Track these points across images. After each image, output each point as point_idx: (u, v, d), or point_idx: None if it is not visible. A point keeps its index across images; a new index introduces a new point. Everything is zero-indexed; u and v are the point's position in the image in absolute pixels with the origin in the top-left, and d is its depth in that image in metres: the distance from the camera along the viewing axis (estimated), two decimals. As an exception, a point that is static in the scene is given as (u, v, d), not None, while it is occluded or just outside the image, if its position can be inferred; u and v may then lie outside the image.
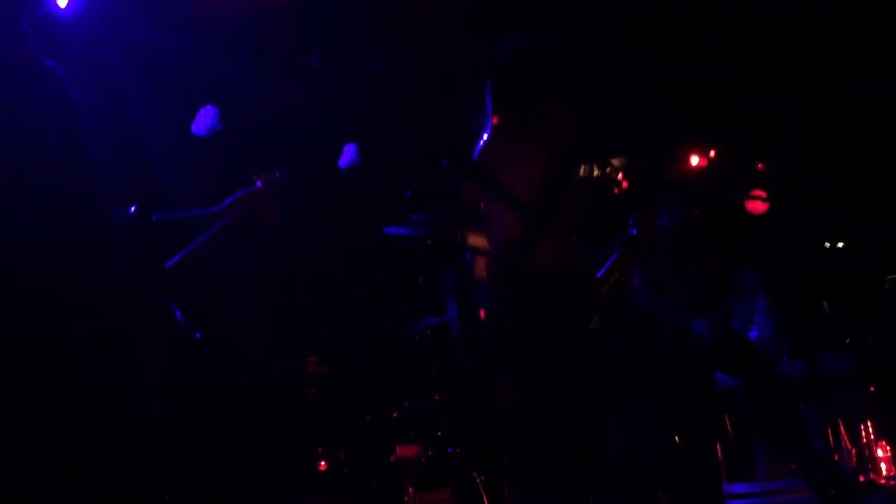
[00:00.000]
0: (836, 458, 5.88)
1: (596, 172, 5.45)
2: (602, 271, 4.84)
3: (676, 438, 5.63)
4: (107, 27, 4.76)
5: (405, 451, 4.98)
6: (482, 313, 3.22)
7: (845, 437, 6.17)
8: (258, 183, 2.99)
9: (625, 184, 5.95)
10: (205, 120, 5.69)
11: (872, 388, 6.34)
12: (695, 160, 6.17)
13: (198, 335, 2.42)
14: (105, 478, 1.91)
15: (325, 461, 4.93)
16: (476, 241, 3.42)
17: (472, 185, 3.21)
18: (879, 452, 6.05)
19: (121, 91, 4.76)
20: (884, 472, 5.96)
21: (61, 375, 1.87)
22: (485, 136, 3.42)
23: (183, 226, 2.80)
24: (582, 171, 6.55)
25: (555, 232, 3.16)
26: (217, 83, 5.47)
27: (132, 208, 2.33)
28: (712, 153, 6.19)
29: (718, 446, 5.69)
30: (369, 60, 5.76)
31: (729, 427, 5.98)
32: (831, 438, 5.55)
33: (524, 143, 3.30)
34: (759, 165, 5.97)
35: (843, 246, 6.99)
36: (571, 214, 3.26)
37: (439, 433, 4.99)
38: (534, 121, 3.33)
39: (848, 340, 7.03)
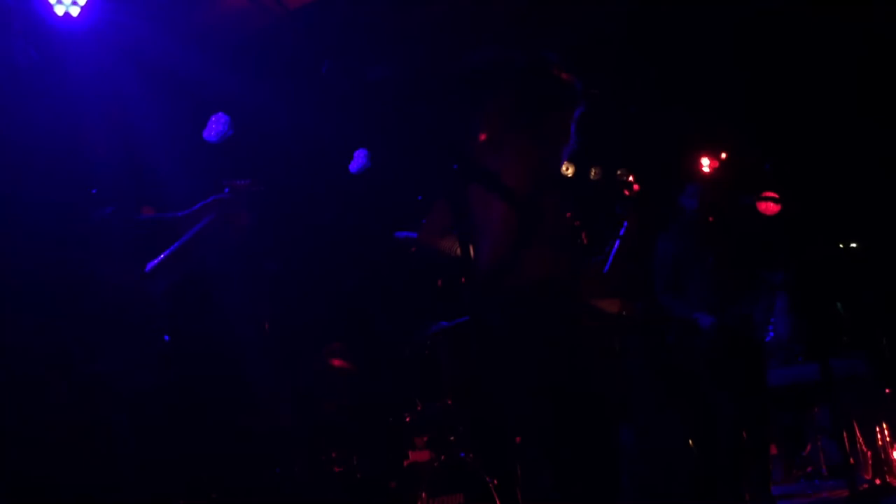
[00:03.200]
0: (851, 460, 5.83)
1: (596, 174, 5.47)
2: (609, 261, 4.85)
3: (691, 443, 5.61)
4: (113, 36, 4.78)
5: (418, 455, 4.97)
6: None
7: (861, 440, 6.13)
8: (226, 190, 3.12)
9: (636, 186, 5.94)
10: (216, 126, 5.73)
11: (888, 391, 6.30)
12: (706, 161, 6.16)
13: (165, 338, 2.44)
14: (100, 487, 1.91)
15: (338, 465, 4.94)
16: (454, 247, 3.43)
17: (474, 184, 3.20)
18: (895, 455, 6.00)
19: (126, 98, 4.79)
20: (900, 475, 5.93)
21: (45, 380, 1.87)
22: (477, 137, 3.42)
23: (157, 229, 2.88)
24: (593, 173, 6.56)
25: (541, 242, 3.16)
26: (227, 91, 5.49)
27: (108, 210, 2.36)
28: (724, 155, 6.17)
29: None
30: (379, 67, 5.77)
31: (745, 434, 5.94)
32: (846, 441, 5.50)
33: (514, 148, 3.31)
34: (771, 166, 5.95)
35: (858, 247, 6.95)
36: (559, 223, 3.25)
37: (452, 438, 4.99)
38: (526, 127, 3.34)
39: (863, 342, 6.99)
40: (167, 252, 2.93)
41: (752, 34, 6.11)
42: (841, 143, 7.10)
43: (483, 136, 3.38)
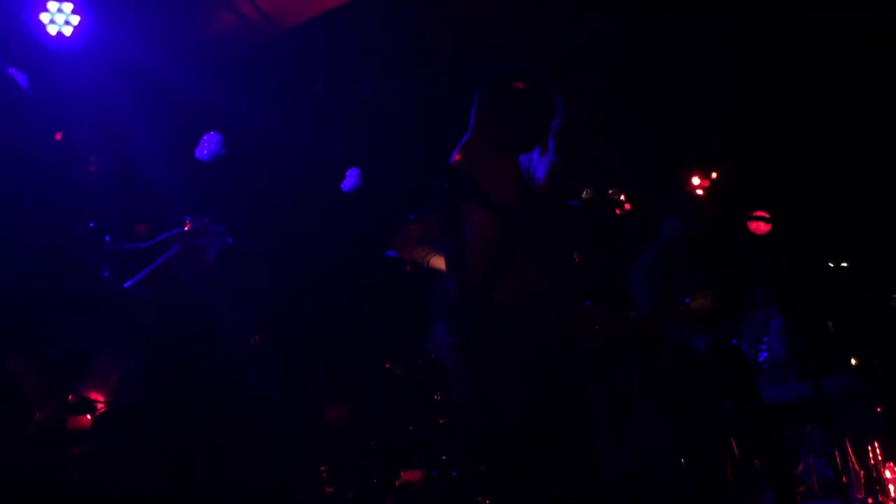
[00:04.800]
0: (844, 479, 5.83)
1: (590, 195, 5.49)
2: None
3: (683, 460, 5.60)
4: (106, 55, 4.81)
5: (410, 475, 4.96)
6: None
7: (853, 458, 6.12)
8: (188, 223, 3.22)
9: (627, 205, 5.96)
10: (209, 145, 5.73)
11: (879, 409, 6.30)
12: (696, 180, 6.19)
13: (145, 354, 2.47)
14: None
15: (329, 486, 4.92)
16: (441, 264, 3.45)
17: (461, 198, 3.22)
18: (887, 473, 6.00)
19: (118, 117, 4.81)
20: (892, 494, 5.91)
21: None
22: (460, 149, 3.43)
23: (120, 257, 2.95)
24: (584, 193, 6.59)
25: (527, 256, 3.17)
26: (220, 109, 5.51)
27: (85, 227, 2.39)
28: (714, 174, 6.20)
29: (729, 468, 5.64)
30: (370, 85, 5.80)
31: (734, 446, 5.93)
32: (839, 459, 5.50)
33: (497, 161, 3.33)
34: (761, 186, 5.98)
35: (848, 265, 6.97)
36: (545, 238, 3.26)
37: (444, 457, 4.97)
38: (509, 140, 3.36)
39: (854, 361, 7.00)
40: (139, 275, 3.00)
41: (747, 47, 6.15)
42: (832, 160, 7.14)
43: (467, 151, 3.40)
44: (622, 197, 6.36)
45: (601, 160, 6.34)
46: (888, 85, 6.42)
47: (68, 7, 4.59)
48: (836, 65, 6.26)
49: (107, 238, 2.73)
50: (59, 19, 4.59)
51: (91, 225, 2.36)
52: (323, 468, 4.93)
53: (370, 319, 6.16)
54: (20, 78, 2.74)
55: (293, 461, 5.02)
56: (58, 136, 2.78)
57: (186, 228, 3.21)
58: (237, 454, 4.66)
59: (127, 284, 2.89)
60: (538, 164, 3.38)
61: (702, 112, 6.73)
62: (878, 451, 6.05)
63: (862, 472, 6.09)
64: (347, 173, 6.42)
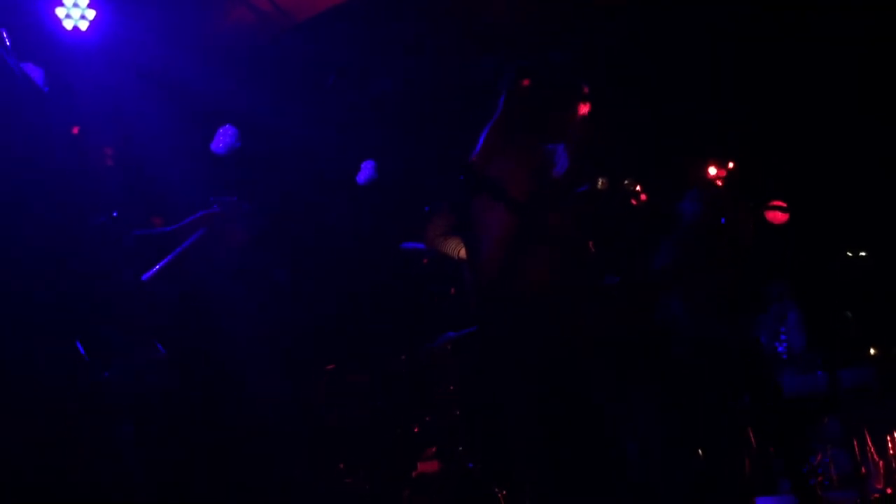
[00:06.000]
0: (863, 470, 5.80)
1: (604, 185, 5.47)
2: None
3: (700, 452, 5.58)
4: (122, 49, 4.82)
5: (426, 466, 4.97)
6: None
7: (872, 450, 6.09)
8: (215, 206, 3.16)
9: (643, 196, 5.93)
10: (224, 138, 5.75)
11: (898, 400, 6.27)
12: (713, 170, 6.15)
13: (160, 347, 2.46)
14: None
15: (347, 477, 4.94)
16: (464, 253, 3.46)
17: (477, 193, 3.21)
18: (906, 464, 5.97)
19: (134, 110, 4.83)
20: (911, 485, 5.89)
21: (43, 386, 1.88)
22: (481, 141, 3.43)
23: (144, 243, 2.92)
24: (599, 183, 6.57)
25: (543, 247, 3.16)
26: (235, 103, 5.52)
27: (110, 215, 2.39)
28: (731, 164, 6.16)
29: (746, 459, 5.63)
30: (384, 79, 5.80)
31: (752, 439, 5.91)
32: (857, 451, 5.48)
33: (515, 152, 3.32)
34: (778, 175, 5.94)
35: (866, 256, 6.92)
36: (561, 229, 3.25)
37: (460, 449, 4.98)
38: (527, 132, 3.35)
39: (873, 351, 6.96)
40: (160, 265, 2.97)
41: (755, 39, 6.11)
42: (849, 151, 7.08)
43: (486, 145, 3.40)
44: (638, 187, 6.32)
45: (615, 151, 6.31)
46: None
47: (84, 1, 4.61)
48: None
49: (127, 228, 2.72)
50: (75, 14, 4.61)
51: (115, 214, 2.36)
52: (341, 464, 4.94)
53: (387, 310, 6.16)
54: (37, 72, 2.75)
55: (309, 454, 5.04)
56: (74, 130, 2.79)
57: (214, 209, 3.16)
58: (253, 449, 4.69)
59: (145, 277, 2.87)
60: (558, 156, 3.37)
61: (712, 103, 6.70)
62: (896, 442, 6.01)
63: (881, 462, 6.05)
64: (363, 166, 6.42)
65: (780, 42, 6.09)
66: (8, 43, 2.07)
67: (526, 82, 3.34)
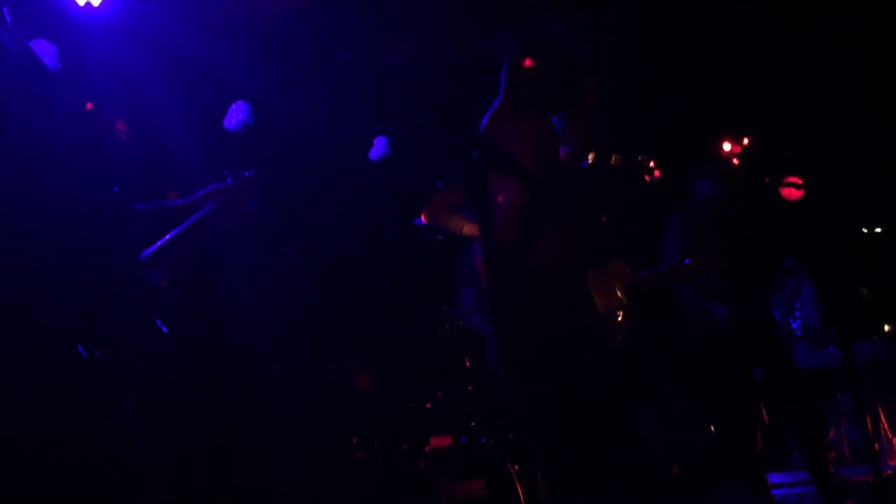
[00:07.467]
0: (876, 446, 5.79)
1: (617, 160, 5.44)
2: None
3: (713, 428, 5.59)
4: (134, 25, 4.81)
5: (439, 441, 4.99)
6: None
7: (885, 425, 6.08)
8: (229, 180, 3.15)
9: (657, 172, 5.90)
10: (237, 115, 5.74)
11: (913, 376, 6.25)
12: (728, 146, 6.10)
13: (163, 328, 2.45)
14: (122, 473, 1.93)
15: (360, 451, 4.96)
16: (475, 231, 3.44)
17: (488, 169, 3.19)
18: (920, 440, 5.96)
19: (146, 86, 4.82)
20: (924, 460, 5.88)
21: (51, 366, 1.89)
22: (489, 113, 3.41)
23: (156, 216, 2.91)
24: (613, 159, 6.53)
25: (554, 223, 3.15)
26: (247, 79, 5.51)
27: (112, 190, 2.37)
28: (746, 140, 6.11)
29: (758, 434, 5.62)
30: (397, 53, 5.77)
31: (765, 415, 5.91)
32: (870, 426, 5.47)
33: (524, 127, 3.30)
34: (793, 151, 5.89)
35: (881, 231, 6.88)
36: (573, 205, 3.24)
37: (473, 424, 5.00)
38: (537, 105, 3.33)
39: (887, 327, 6.93)
40: (165, 239, 2.97)
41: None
42: (864, 127, 7.03)
43: (496, 118, 3.38)
44: (651, 164, 6.29)
45: (629, 126, 6.28)
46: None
47: (96, -24, 4.60)
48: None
49: (139, 201, 2.72)
50: (87, -11, 4.60)
51: (116, 190, 2.34)
52: (354, 438, 4.97)
53: (399, 287, 6.17)
54: (50, 49, 2.75)
55: (321, 430, 5.06)
56: (88, 106, 2.79)
57: (228, 182, 3.16)
58: (263, 425, 4.72)
59: (150, 250, 2.86)
60: (570, 129, 3.35)
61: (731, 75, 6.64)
62: (910, 417, 6.01)
63: (894, 438, 6.05)
64: (375, 142, 6.40)
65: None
66: (8, 20, 2.06)
67: (528, 61, 3.31)
